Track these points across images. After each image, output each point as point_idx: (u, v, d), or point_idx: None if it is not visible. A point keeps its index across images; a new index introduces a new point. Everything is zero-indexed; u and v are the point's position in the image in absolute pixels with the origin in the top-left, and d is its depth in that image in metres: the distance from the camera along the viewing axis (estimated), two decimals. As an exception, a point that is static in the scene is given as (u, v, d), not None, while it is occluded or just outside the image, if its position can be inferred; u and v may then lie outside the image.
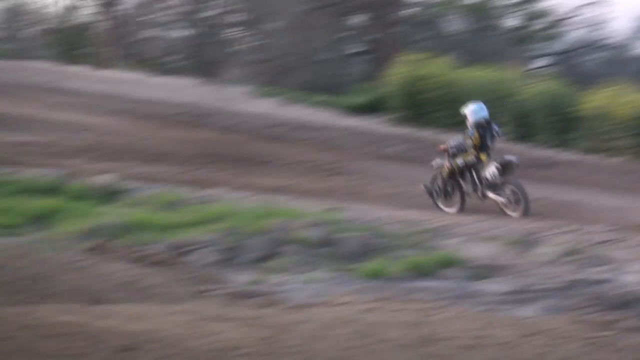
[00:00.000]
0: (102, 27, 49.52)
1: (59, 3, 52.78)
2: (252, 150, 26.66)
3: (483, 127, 20.61)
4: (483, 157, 20.46)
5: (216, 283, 13.49)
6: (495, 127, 20.79)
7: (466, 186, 20.73)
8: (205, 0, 48.53)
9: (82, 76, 39.97)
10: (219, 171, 23.56)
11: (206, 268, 14.31)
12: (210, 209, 17.13)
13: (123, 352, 8.33)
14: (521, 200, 19.79)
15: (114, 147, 25.87)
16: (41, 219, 16.42)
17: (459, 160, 20.61)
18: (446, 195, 20.89)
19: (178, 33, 50.33)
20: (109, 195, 18.80)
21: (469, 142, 20.51)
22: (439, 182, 20.95)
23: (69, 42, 50.09)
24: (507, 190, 20.07)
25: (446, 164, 20.77)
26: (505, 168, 20.23)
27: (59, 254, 13.73)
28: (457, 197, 20.88)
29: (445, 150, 20.86)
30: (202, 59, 46.08)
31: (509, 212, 19.83)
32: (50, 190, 18.53)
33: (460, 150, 20.70)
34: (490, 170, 20.26)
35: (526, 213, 19.61)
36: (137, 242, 15.17)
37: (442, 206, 20.86)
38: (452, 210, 20.69)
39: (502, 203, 20.05)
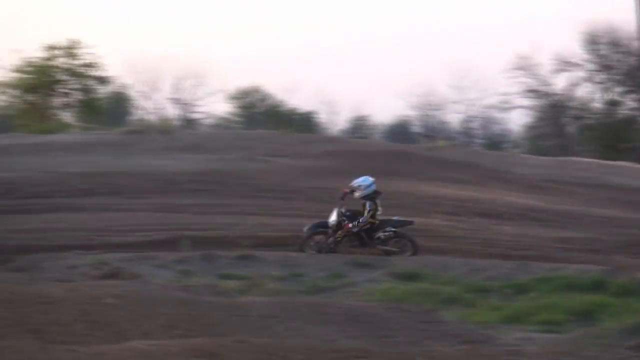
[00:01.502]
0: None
1: (599, 98, 52.56)
2: None
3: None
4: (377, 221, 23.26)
5: None
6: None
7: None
8: None
9: (625, 171, 39.51)
10: None
11: None
12: None
13: None
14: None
15: None
16: (585, 316, 16.13)
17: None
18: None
19: None
20: None
21: (366, 212, 23.16)
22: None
23: (611, 137, 49.65)
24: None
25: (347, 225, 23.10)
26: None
27: (603, 351, 13.51)
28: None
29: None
30: None
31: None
32: (594, 286, 18.26)
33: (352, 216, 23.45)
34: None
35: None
36: None
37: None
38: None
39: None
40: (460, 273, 19.86)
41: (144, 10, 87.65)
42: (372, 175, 23.85)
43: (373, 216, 23.22)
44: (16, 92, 53.56)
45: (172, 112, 59.88)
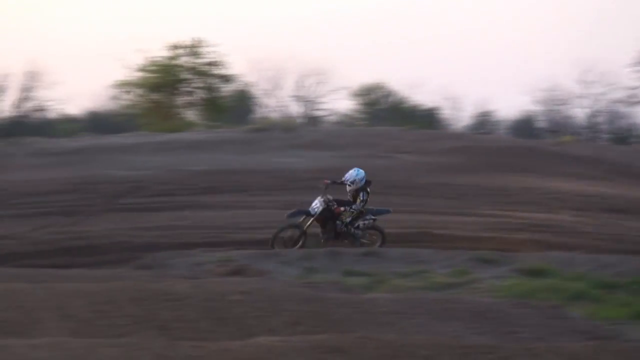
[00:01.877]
0: None
1: None
2: None
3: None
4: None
5: None
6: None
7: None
8: None
9: None
10: None
11: None
12: None
13: None
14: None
15: None
16: None
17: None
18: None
19: None
20: None
21: (359, 200, 23.18)
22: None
23: None
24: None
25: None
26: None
27: None
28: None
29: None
30: None
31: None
32: None
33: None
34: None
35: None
36: None
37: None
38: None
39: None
40: (587, 269, 19.68)
41: (265, 7, 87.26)
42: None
43: (364, 205, 23.14)
44: (141, 91, 53.98)
45: (295, 109, 60.05)
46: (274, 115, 57.96)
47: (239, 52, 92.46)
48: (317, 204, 23.29)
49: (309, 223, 23.19)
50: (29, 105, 55.67)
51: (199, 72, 53.97)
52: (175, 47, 53.56)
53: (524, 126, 54.97)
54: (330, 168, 33.38)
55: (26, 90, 55.33)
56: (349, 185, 23.51)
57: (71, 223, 25.15)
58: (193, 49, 53.54)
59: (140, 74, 53.35)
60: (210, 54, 53.63)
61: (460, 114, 58.98)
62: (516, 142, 45.37)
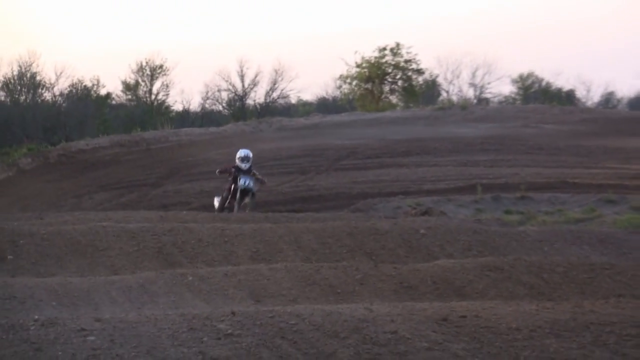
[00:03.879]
0: None
1: None
2: None
3: None
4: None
5: None
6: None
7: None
8: None
9: None
10: None
11: None
12: None
13: None
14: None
15: None
16: None
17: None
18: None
19: None
20: None
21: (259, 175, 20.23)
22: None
23: None
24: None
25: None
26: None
27: None
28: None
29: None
30: None
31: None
32: None
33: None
34: None
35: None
36: None
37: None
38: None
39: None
40: None
41: (442, 9, 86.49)
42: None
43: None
44: (357, 82, 54.41)
45: (469, 93, 59.52)
46: (453, 97, 57.60)
47: (428, 50, 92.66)
48: (249, 180, 19.97)
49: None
50: (276, 93, 56.89)
51: (399, 67, 54.03)
52: (382, 49, 53.77)
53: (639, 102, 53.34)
54: (494, 135, 33.11)
55: (274, 83, 56.54)
56: (244, 163, 20.02)
57: (305, 179, 25.50)
58: (395, 50, 53.64)
59: (357, 69, 53.86)
60: (407, 53, 53.76)
61: (591, 94, 57.55)
62: (633, 114, 44.08)
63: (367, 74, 54.40)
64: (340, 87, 56.89)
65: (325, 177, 25.40)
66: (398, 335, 6.86)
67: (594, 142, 30.85)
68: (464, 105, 45.09)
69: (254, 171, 20.33)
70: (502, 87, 59.41)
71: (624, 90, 56.30)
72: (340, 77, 55.60)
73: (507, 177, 24.44)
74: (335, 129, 37.56)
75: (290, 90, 57.52)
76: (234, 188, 20.12)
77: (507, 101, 56.28)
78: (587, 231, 14.97)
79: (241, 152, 20.44)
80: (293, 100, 58.74)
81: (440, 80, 59.73)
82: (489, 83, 59.23)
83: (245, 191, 19.94)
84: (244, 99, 57.29)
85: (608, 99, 55.20)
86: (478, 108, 45.42)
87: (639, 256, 12.63)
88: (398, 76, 54.87)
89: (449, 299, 9.48)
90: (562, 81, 55.93)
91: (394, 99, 55.88)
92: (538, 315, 7.65)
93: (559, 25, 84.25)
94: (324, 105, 54.77)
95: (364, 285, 10.38)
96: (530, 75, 60.68)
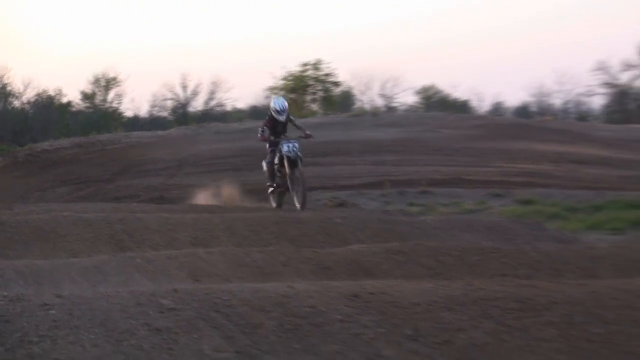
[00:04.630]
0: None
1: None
2: None
3: None
4: None
5: None
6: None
7: None
8: None
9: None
10: None
11: None
12: None
13: None
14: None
15: None
16: (636, 225, 15.74)
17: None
18: None
19: None
20: None
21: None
22: None
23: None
24: None
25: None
26: None
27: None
28: None
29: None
30: None
31: None
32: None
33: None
34: None
35: None
36: None
37: None
38: None
39: None
40: (559, 199, 19.48)
41: (358, 34, 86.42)
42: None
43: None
44: (283, 93, 54.51)
45: (379, 102, 59.75)
46: (366, 106, 57.73)
47: (345, 65, 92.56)
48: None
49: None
50: (214, 102, 56.90)
51: (319, 80, 54.24)
52: (305, 64, 53.94)
53: (523, 110, 54.04)
54: (400, 139, 33.30)
55: (212, 93, 56.53)
56: (282, 115, 16.15)
57: (239, 175, 25.38)
58: (316, 65, 53.82)
59: (283, 81, 54.05)
60: (326, 67, 54.01)
61: (482, 103, 58.17)
62: (517, 120, 44.69)
63: (291, 85, 54.54)
64: (269, 96, 56.98)
65: (255, 174, 25.32)
66: (316, 309, 6.88)
67: (485, 145, 31.22)
68: (375, 113, 45.21)
69: (296, 122, 16.15)
70: (407, 97, 59.53)
71: (511, 100, 56.80)
72: (269, 88, 55.72)
73: (411, 174, 24.64)
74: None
75: (227, 99, 57.74)
76: (279, 155, 15.56)
77: (411, 109, 56.59)
78: (477, 220, 15.17)
79: (276, 103, 16.03)
80: (228, 108, 58.71)
81: (354, 91, 59.90)
82: (396, 94, 59.61)
83: (294, 161, 15.37)
84: (186, 107, 57.26)
85: (497, 108, 55.85)
86: (387, 115, 45.62)
87: (521, 241, 12.80)
88: (318, 88, 55.06)
89: (360, 278, 9.51)
90: (458, 92, 56.28)
91: (314, 107, 55.92)
92: (435, 292, 7.71)
93: (458, 42, 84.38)
94: (255, 112, 54.56)
95: (287, 266, 10.36)
96: (431, 87, 61.19)
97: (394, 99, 59.84)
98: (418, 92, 61.27)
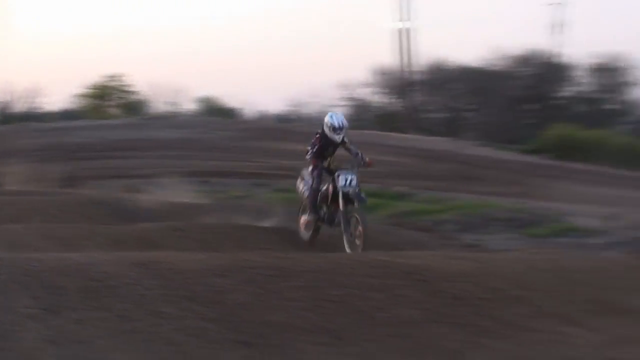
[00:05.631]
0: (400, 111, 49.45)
1: (383, 100, 52.10)
2: (467, 171, 25.65)
3: None
4: None
5: (455, 240, 13.15)
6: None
7: None
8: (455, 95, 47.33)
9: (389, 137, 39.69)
10: (452, 183, 22.82)
11: (449, 233, 13.90)
12: (450, 203, 16.80)
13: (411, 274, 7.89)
14: None
15: (402, 172, 25.51)
16: (367, 209, 16.19)
17: None
18: None
19: (435, 114, 49.31)
20: (402, 197, 18.57)
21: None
22: None
23: (388, 121, 49.13)
24: None
25: None
26: None
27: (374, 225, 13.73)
28: None
29: None
30: (449, 127, 45.16)
31: None
32: (372, 194, 18.17)
33: None
34: None
35: None
36: (419, 219, 14.94)
37: None
38: None
39: None
40: None
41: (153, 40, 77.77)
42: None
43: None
44: (90, 99, 53.47)
45: (169, 108, 58.66)
46: (158, 110, 56.65)
47: (140, 75, 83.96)
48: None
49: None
50: (33, 105, 54.13)
51: (119, 90, 53.57)
52: (109, 76, 53.10)
53: (282, 117, 54.63)
54: (185, 138, 32.97)
55: (32, 97, 53.82)
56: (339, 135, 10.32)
57: (49, 166, 23.87)
58: (116, 78, 52.97)
59: (90, 90, 52.99)
60: (125, 79, 53.27)
61: (251, 110, 57.62)
62: (278, 125, 45.29)
63: (97, 93, 53.53)
64: (78, 101, 55.38)
65: (63, 165, 24.08)
66: (109, 274, 6.73)
67: (251, 144, 31.56)
68: (164, 117, 44.71)
69: (350, 146, 10.30)
70: (191, 104, 58.47)
71: (273, 108, 56.97)
72: (78, 95, 54.20)
73: (194, 167, 24.34)
74: (73, 131, 35.97)
75: (44, 103, 55.25)
76: (332, 189, 10.10)
77: (194, 115, 55.88)
78: (245, 204, 15.28)
79: (335, 119, 10.19)
80: (45, 109, 56.03)
81: (149, 97, 58.55)
82: (182, 101, 58.60)
83: (351, 199, 10.00)
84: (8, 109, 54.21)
85: (262, 114, 56.21)
86: (174, 119, 44.92)
87: (277, 221, 12.78)
88: (118, 95, 53.98)
89: (148, 250, 9.32)
90: (233, 101, 55.76)
91: (115, 111, 54.72)
92: (208, 261, 7.68)
93: (232, 54, 78.17)
94: (67, 114, 52.49)
95: (89, 240, 10.04)
96: (210, 97, 60.57)
97: (181, 106, 58.99)
98: (200, 100, 60.72)
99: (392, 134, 40.87)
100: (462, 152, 34.11)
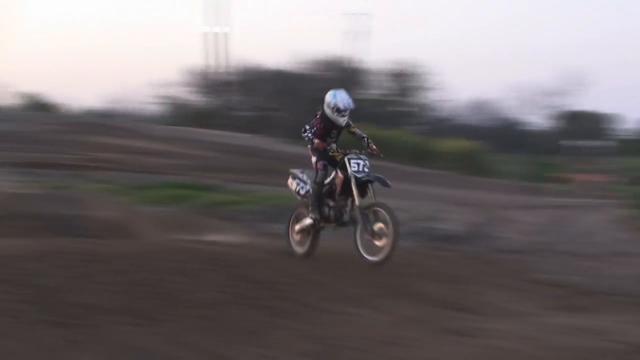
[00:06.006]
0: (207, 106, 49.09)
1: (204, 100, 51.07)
2: (271, 166, 25.80)
3: None
4: None
5: (260, 229, 13.19)
6: None
7: None
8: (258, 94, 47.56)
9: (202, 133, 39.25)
10: (258, 176, 22.87)
11: (256, 222, 14.03)
12: (257, 194, 17.05)
13: (216, 259, 8.00)
14: None
15: (213, 166, 25.34)
16: (179, 199, 16.24)
17: None
18: None
19: (245, 113, 49.25)
20: (212, 188, 18.42)
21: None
22: None
23: (200, 117, 48.30)
24: None
25: None
26: None
27: (185, 215, 13.82)
28: None
29: None
30: (258, 124, 45.43)
31: None
32: (184, 186, 18.19)
33: None
34: None
35: None
36: (226, 209, 14.93)
37: None
38: None
39: None
40: (126, 180, 18.87)
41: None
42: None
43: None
44: None
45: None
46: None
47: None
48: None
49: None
50: None
51: None
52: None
53: (102, 113, 52.00)
54: (12, 130, 30.66)
55: None
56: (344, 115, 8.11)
57: None
58: None
59: None
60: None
61: (72, 105, 54.19)
62: (96, 120, 43.14)
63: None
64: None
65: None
66: None
67: (71, 138, 30.35)
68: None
69: (356, 130, 8.23)
70: (16, 100, 53.54)
71: (95, 104, 53.66)
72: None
73: (17, 158, 22.71)
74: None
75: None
76: (342, 176, 7.96)
77: (19, 109, 51.66)
78: (64, 194, 14.50)
79: (339, 98, 8.01)
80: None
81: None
82: (6, 96, 53.90)
83: (364, 183, 7.82)
84: None
85: (85, 110, 53.04)
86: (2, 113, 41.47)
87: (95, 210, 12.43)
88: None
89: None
90: (56, 98, 51.88)
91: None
92: (26, 247, 7.59)
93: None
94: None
95: None
96: (35, 93, 56.03)
97: (5, 100, 54.39)
98: (24, 95, 56.47)
99: (205, 130, 40.61)
100: (267, 147, 34.61)
